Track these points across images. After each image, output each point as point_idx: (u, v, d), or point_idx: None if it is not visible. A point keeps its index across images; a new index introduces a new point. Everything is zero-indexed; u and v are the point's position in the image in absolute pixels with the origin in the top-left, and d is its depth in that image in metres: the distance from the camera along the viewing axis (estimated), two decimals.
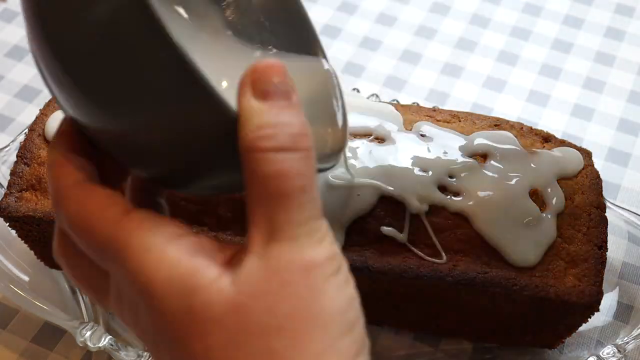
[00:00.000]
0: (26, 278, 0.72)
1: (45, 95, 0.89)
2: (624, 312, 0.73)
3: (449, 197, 0.65)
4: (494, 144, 0.68)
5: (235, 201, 0.65)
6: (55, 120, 0.70)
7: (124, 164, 0.43)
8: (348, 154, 0.64)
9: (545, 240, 0.64)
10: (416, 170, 0.65)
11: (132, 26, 0.37)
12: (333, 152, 0.52)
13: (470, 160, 0.67)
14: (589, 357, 0.68)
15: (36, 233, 0.69)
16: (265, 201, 0.39)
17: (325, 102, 0.53)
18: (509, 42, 0.98)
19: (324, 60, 0.54)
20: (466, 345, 0.72)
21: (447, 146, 0.68)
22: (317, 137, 0.47)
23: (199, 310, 0.38)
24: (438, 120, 0.71)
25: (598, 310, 0.64)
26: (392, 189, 0.64)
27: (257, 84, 0.39)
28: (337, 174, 0.64)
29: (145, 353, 0.67)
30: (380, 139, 0.68)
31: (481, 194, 0.65)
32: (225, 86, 0.48)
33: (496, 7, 1.01)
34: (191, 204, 0.65)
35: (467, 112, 0.73)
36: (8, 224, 0.69)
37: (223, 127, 0.39)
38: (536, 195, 0.66)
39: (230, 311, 0.38)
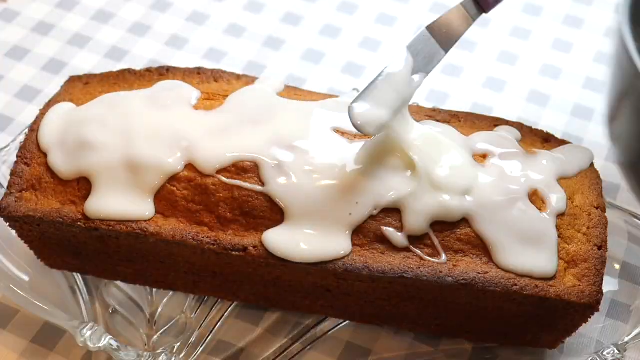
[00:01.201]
0: (26, 278, 0.72)
1: (45, 95, 0.89)
2: (624, 312, 0.73)
3: (448, 197, 0.65)
4: (494, 145, 0.68)
5: (235, 201, 0.65)
6: (51, 122, 0.70)
7: None
8: None
9: (548, 247, 0.64)
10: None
11: None
12: None
13: (470, 160, 0.67)
14: (589, 357, 0.67)
15: (36, 233, 0.69)
16: None
17: None
18: (509, 42, 0.98)
19: None
20: (466, 345, 0.72)
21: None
22: None
23: None
24: (438, 120, 0.71)
25: (598, 310, 0.64)
26: None
27: None
28: None
29: (146, 353, 0.67)
30: None
31: (481, 194, 0.65)
32: None
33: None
34: (191, 204, 0.65)
35: (466, 112, 0.73)
36: (8, 224, 0.69)
37: None
38: (536, 196, 0.66)
39: None
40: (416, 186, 0.64)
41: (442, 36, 0.68)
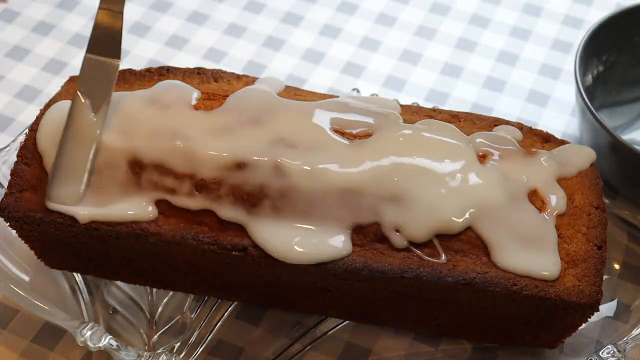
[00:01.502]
0: (26, 278, 0.72)
1: (45, 95, 0.89)
2: (624, 312, 0.73)
3: (450, 213, 0.64)
4: (494, 145, 0.68)
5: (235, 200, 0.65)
6: (50, 121, 0.70)
7: None
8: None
9: (547, 246, 0.64)
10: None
11: None
12: None
13: (475, 163, 0.67)
14: (589, 357, 0.68)
15: (36, 233, 0.69)
16: None
17: None
18: (509, 42, 0.98)
19: None
20: (466, 345, 0.72)
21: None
22: None
23: None
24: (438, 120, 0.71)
25: (598, 310, 0.64)
26: None
27: None
28: None
29: (146, 353, 0.67)
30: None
31: (480, 194, 0.65)
32: None
33: (496, 7, 1.01)
34: (191, 204, 0.65)
35: (466, 112, 0.73)
36: (8, 224, 0.69)
37: None
38: (536, 196, 0.66)
39: None
40: (418, 196, 0.64)
41: (106, 48, 0.67)
